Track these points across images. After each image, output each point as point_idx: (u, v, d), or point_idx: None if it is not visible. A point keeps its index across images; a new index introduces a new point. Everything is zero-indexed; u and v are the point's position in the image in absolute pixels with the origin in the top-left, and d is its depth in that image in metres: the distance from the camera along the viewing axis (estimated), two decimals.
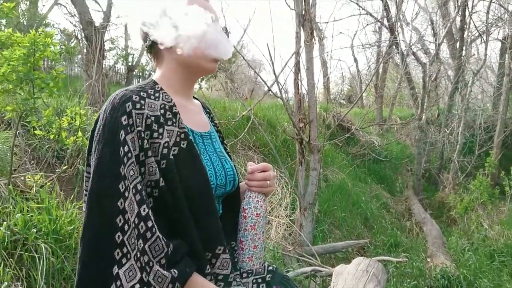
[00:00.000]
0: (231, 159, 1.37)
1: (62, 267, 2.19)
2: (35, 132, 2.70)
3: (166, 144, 1.08)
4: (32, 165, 3.01)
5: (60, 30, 10.00)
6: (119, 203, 1.00)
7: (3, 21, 6.40)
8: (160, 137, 1.08)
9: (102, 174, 1.03)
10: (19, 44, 2.29)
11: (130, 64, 14.38)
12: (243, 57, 4.67)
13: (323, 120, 7.38)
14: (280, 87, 4.24)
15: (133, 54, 14.06)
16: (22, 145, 2.97)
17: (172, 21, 1.12)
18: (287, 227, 4.51)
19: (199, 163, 1.13)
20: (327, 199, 6.02)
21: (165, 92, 1.18)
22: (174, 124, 1.13)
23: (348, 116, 9.88)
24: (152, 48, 1.20)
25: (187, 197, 1.08)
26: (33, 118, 2.58)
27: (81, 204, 2.51)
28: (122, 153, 1.02)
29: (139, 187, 1.02)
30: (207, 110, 1.40)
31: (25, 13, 8.96)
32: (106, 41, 7.23)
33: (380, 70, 12.80)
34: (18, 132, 2.89)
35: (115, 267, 0.98)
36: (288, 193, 4.83)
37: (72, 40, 9.09)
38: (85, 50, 6.10)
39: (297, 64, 4.39)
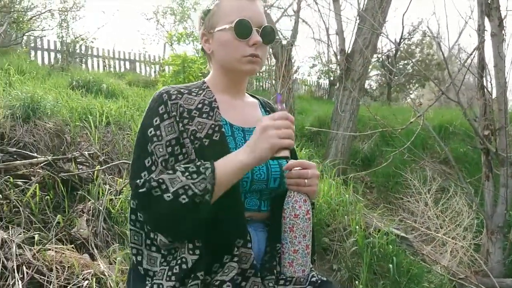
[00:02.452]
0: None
1: None
2: None
3: (196, 136, 1.14)
4: None
5: None
6: (142, 174, 1.11)
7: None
8: (189, 126, 1.15)
9: (135, 152, 1.17)
10: (175, 63, 2.69)
11: (332, 78, 14.87)
12: (414, 63, 4.23)
13: None
14: (457, 89, 3.69)
15: (335, 69, 14.49)
16: None
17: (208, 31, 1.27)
18: (470, 253, 3.85)
19: (226, 153, 1.13)
20: None
21: (209, 90, 1.27)
22: (210, 118, 1.18)
23: None
24: (204, 52, 1.31)
25: None
26: None
27: None
28: (152, 133, 1.13)
29: (166, 162, 1.10)
30: (267, 109, 1.40)
31: None
32: (293, 57, 7.67)
33: None
34: None
35: None
36: (472, 213, 4.12)
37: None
38: (273, 68, 6.64)
39: (481, 61, 3.75)
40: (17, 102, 3.18)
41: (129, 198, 1.23)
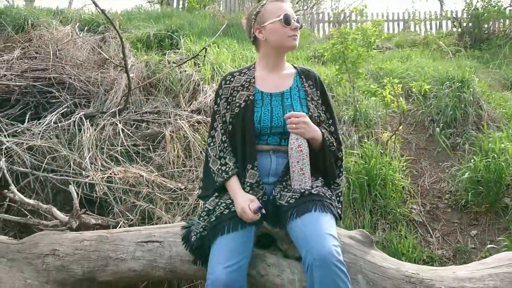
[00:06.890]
0: (310, 111, 1.92)
1: None
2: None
3: (237, 104, 1.93)
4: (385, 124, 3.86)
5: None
6: (212, 132, 1.99)
7: None
8: (234, 99, 1.95)
9: (211, 118, 2.07)
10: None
11: None
12: None
13: None
14: None
15: None
16: None
17: (260, 25, 1.96)
18: None
19: (251, 112, 1.89)
20: None
21: (254, 69, 2.02)
22: (247, 90, 1.94)
23: None
24: (255, 40, 2.02)
25: (242, 129, 1.89)
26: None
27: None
28: (216, 108, 2.00)
29: (221, 127, 1.96)
30: (302, 76, 2.01)
31: None
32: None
33: None
34: None
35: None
36: None
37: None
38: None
39: None
40: None
41: None
